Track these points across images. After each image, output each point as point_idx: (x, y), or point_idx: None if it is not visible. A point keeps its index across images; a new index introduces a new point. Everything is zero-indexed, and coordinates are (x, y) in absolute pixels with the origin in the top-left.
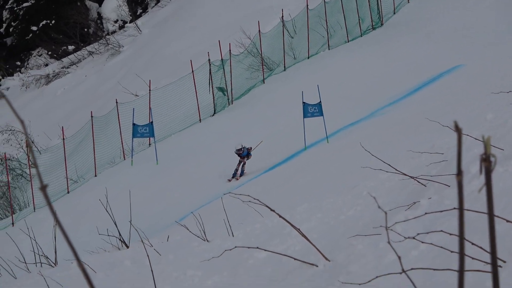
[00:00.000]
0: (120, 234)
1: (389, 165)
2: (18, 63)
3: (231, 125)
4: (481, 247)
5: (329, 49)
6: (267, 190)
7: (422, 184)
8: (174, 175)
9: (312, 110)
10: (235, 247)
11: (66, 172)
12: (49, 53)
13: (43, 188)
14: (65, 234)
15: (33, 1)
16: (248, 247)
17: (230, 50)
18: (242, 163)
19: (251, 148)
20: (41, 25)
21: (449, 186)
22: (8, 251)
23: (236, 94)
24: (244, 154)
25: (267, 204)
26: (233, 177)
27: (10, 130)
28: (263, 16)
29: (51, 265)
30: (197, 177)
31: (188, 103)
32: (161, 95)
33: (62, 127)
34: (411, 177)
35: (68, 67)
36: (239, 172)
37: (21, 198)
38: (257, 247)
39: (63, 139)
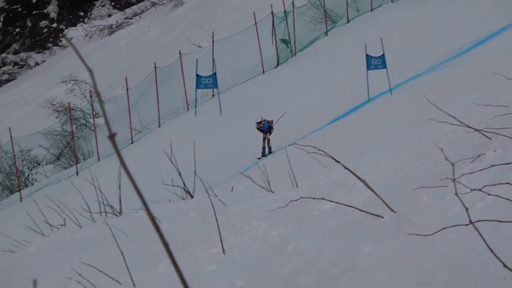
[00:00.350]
0: (184, 184)
1: (453, 117)
2: (81, 13)
3: (294, 77)
4: None
5: (392, 2)
6: (330, 142)
7: (487, 137)
8: (238, 126)
9: (376, 62)
10: (300, 197)
11: (130, 122)
12: (112, 3)
13: (112, 136)
14: (134, 183)
15: None
16: (314, 198)
17: (293, 2)
18: (266, 139)
19: (272, 121)
20: None
21: None
22: (72, 201)
23: (299, 46)
24: (265, 127)
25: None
26: (262, 156)
27: (74, 80)
28: None
29: (115, 215)
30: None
31: (251, 54)
32: (224, 46)
33: (126, 77)
34: (475, 129)
35: (131, 18)
36: (267, 150)
37: (85, 147)
38: (323, 198)
39: (127, 89)
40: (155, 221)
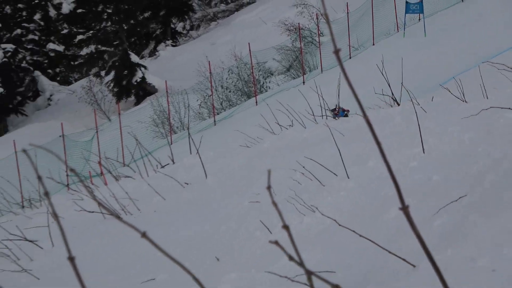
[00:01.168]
0: (392, 94)
1: None
2: None
3: (494, 4)
4: None
5: None
6: None
7: None
8: (439, 46)
9: None
10: (490, 107)
11: (349, 41)
12: None
13: (337, 52)
14: (353, 90)
15: None
16: (501, 108)
17: None
18: None
19: (348, 110)
20: None
21: None
22: (299, 105)
23: None
24: (341, 114)
25: None
26: None
27: (304, 4)
28: None
29: (334, 118)
30: (461, 47)
31: None
32: None
33: (347, 2)
34: None
35: None
36: None
37: (310, 61)
38: (509, 108)
39: (347, 12)
40: (370, 124)
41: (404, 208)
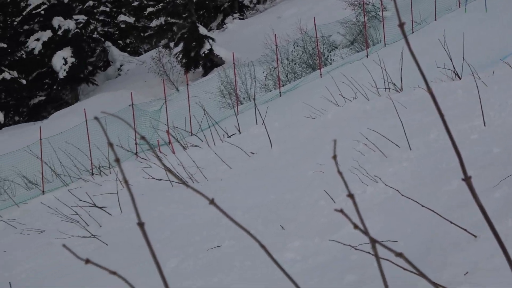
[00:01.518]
0: (454, 68)
1: None
2: None
3: None
4: None
5: None
6: None
7: None
8: (500, 20)
9: None
10: None
11: (412, 16)
12: None
13: (401, 25)
14: (417, 63)
15: None
16: None
17: None
18: None
19: None
20: None
21: None
22: (362, 78)
23: None
24: None
25: None
26: None
27: None
28: None
29: (397, 91)
30: None
31: None
32: None
33: None
34: None
35: None
36: None
37: (374, 35)
38: None
39: None
40: (434, 96)
41: (467, 179)
